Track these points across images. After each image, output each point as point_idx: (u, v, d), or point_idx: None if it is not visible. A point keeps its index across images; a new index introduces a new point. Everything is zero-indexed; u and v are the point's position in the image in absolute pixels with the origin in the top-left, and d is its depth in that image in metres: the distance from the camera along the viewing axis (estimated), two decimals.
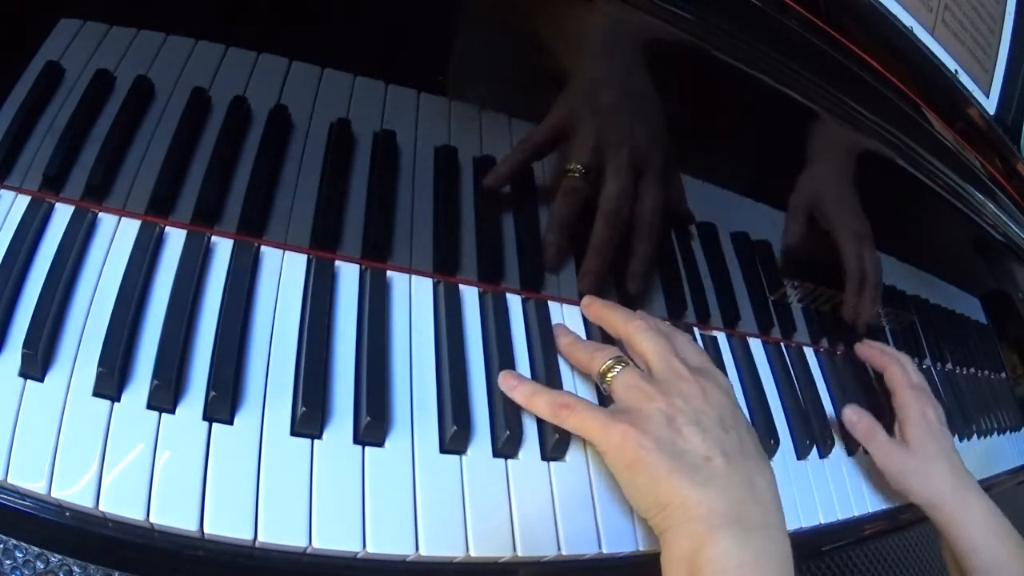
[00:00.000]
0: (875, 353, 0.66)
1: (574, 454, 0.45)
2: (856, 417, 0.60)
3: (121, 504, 0.33)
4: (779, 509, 0.41)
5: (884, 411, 0.63)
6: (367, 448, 0.40)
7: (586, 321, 0.53)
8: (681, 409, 0.41)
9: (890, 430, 0.61)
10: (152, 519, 0.33)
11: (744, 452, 0.41)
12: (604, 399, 0.47)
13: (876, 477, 0.61)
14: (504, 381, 0.44)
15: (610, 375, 0.44)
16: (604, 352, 0.45)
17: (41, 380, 0.35)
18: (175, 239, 0.43)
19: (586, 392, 0.49)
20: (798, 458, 0.57)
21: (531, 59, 0.44)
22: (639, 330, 0.46)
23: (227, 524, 0.35)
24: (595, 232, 0.50)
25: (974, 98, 0.60)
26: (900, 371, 0.63)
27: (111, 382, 0.35)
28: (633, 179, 0.49)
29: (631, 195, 0.49)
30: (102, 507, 0.33)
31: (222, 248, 0.43)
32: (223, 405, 0.37)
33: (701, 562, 0.37)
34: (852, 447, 0.63)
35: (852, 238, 0.61)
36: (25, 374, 0.35)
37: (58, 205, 0.41)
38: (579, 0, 0.41)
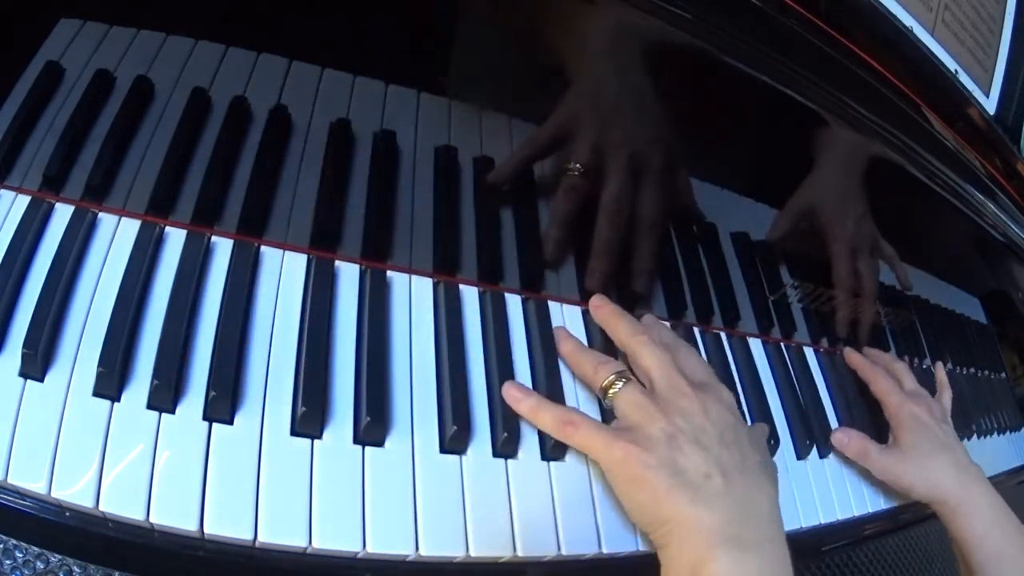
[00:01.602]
0: (861, 366, 0.66)
1: (574, 454, 0.45)
2: (846, 439, 0.60)
3: (121, 504, 0.33)
4: (778, 524, 0.41)
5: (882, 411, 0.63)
6: (367, 448, 0.40)
7: (587, 322, 0.53)
8: (681, 427, 0.41)
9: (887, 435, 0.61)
10: (152, 519, 0.33)
11: (744, 468, 0.41)
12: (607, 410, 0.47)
13: (876, 477, 0.61)
14: (508, 392, 0.44)
15: (612, 391, 0.44)
16: (607, 366, 0.45)
17: (41, 380, 0.35)
18: (175, 239, 0.42)
19: (587, 398, 0.49)
20: (798, 458, 0.57)
21: (532, 59, 0.44)
22: (642, 345, 0.46)
23: (227, 524, 0.35)
24: (598, 232, 0.50)
25: (974, 98, 0.60)
26: (885, 382, 0.63)
27: (111, 382, 0.35)
28: (633, 180, 0.49)
29: (631, 195, 0.49)
30: (102, 507, 0.33)
31: (222, 248, 0.43)
32: (223, 405, 0.37)
33: None
34: None
35: (849, 239, 0.61)
36: (25, 374, 0.35)
37: (58, 205, 0.41)
38: (580, 1, 0.41)
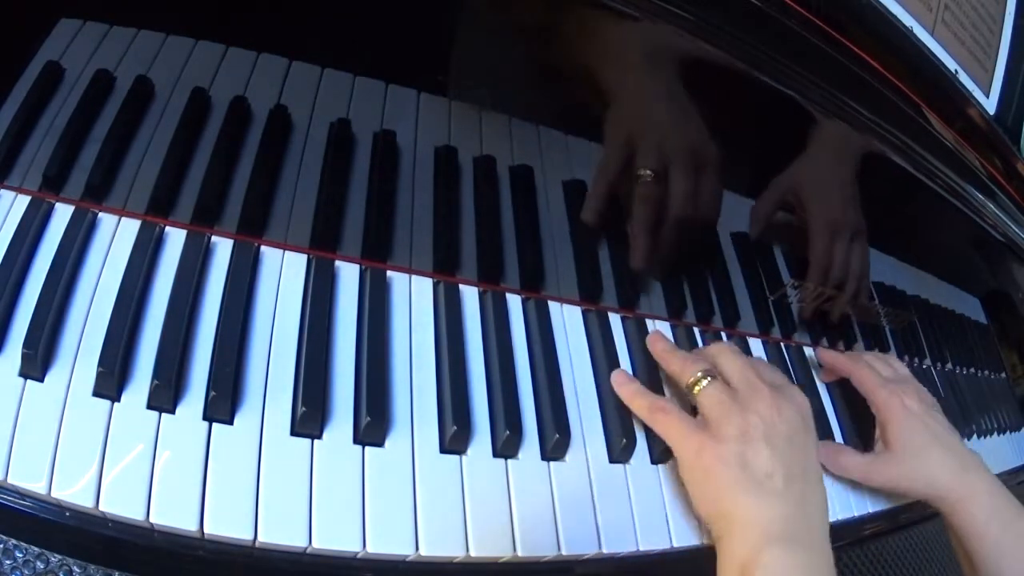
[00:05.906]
0: (839, 362, 0.62)
1: (574, 454, 0.45)
2: (824, 452, 0.56)
3: (121, 504, 0.33)
4: (825, 528, 0.44)
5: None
6: (367, 448, 0.40)
7: (586, 321, 0.53)
8: (755, 425, 0.44)
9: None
10: (152, 519, 0.33)
11: (804, 471, 0.44)
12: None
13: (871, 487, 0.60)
14: (615, 376, 0.49)
15: (698, 387, 0.47)
16: (696, 364, 0.48)
17: (41, 380, 0.35)
18: (175, 239, 0.42)
19: (587, 402, 0.49)
20: None
21: (532, 59, 0.44)
22: (720, 352, 0.50)
23: (227, 524, 0.35)
24: (667, 232, 0.52)
25: (974, 98, 0.60)
26: (867, 373, 0.59)
27: (111, 382, 0.35)
28: (696, 178, 0.51)
29: (695, 192, 0.51)
30: (102, 507, 0.33)
31: (222, 248, 0.43)
32: (223, 405, 0.37)
33: (752, 568, 0.40)
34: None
35: (849, 237, 0.61)
36: (25, 374, 0.35)
37: (58, 205, 0.41)
38: (617, 20, 0.41)
